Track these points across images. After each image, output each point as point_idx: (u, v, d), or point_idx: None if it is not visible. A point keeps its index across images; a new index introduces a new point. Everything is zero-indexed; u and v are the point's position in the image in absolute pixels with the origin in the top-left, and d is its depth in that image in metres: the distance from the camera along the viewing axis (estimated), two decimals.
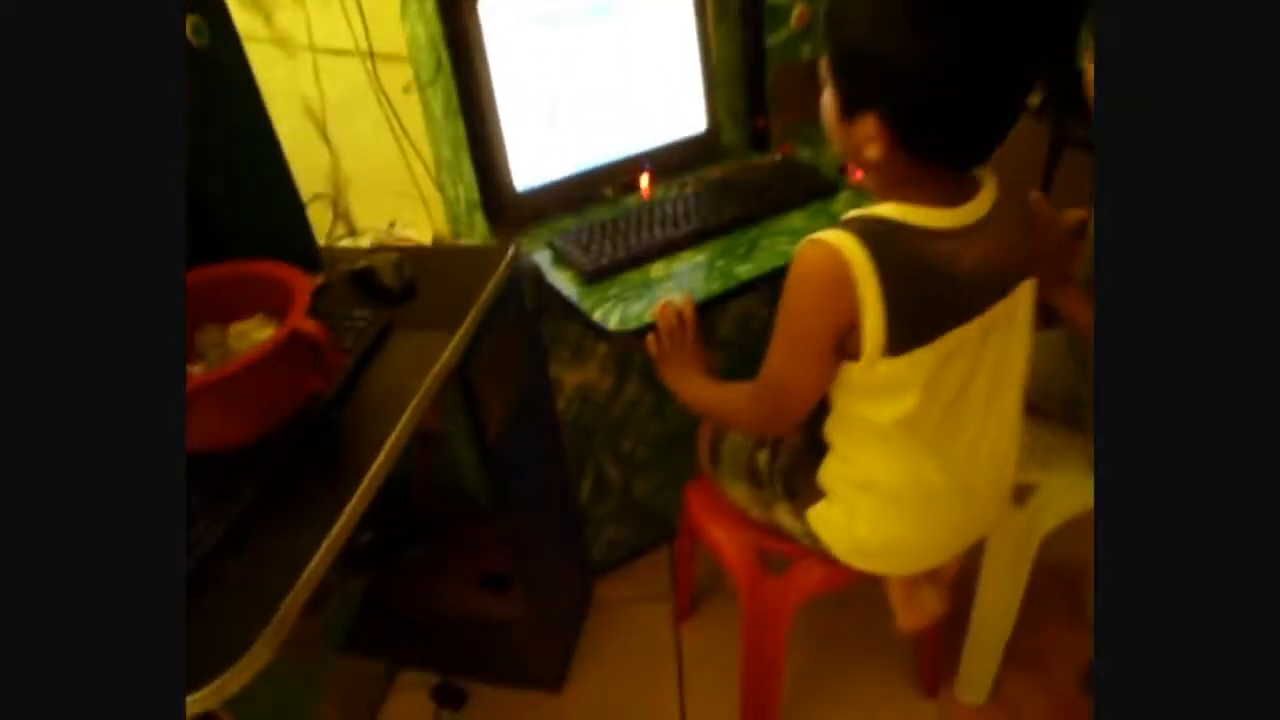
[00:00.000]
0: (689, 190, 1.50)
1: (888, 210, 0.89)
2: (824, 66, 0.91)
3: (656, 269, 1.31)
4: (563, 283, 1.29)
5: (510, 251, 1.25)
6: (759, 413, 1.04)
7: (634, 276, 1.29)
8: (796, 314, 0.93)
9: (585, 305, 1.23)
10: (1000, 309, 0.95)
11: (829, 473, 1.08)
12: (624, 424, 1.55)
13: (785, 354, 0.97)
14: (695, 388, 1.16)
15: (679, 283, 1.26)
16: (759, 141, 1.64)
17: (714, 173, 1.56)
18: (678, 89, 1.53)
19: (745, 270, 1.28)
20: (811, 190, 1.47)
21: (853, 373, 0.94)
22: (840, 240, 0.87)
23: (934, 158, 0.88)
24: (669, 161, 1.56)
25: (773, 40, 1.56)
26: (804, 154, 1.62)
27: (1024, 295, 0.98)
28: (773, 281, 1.26)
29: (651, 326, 1.18)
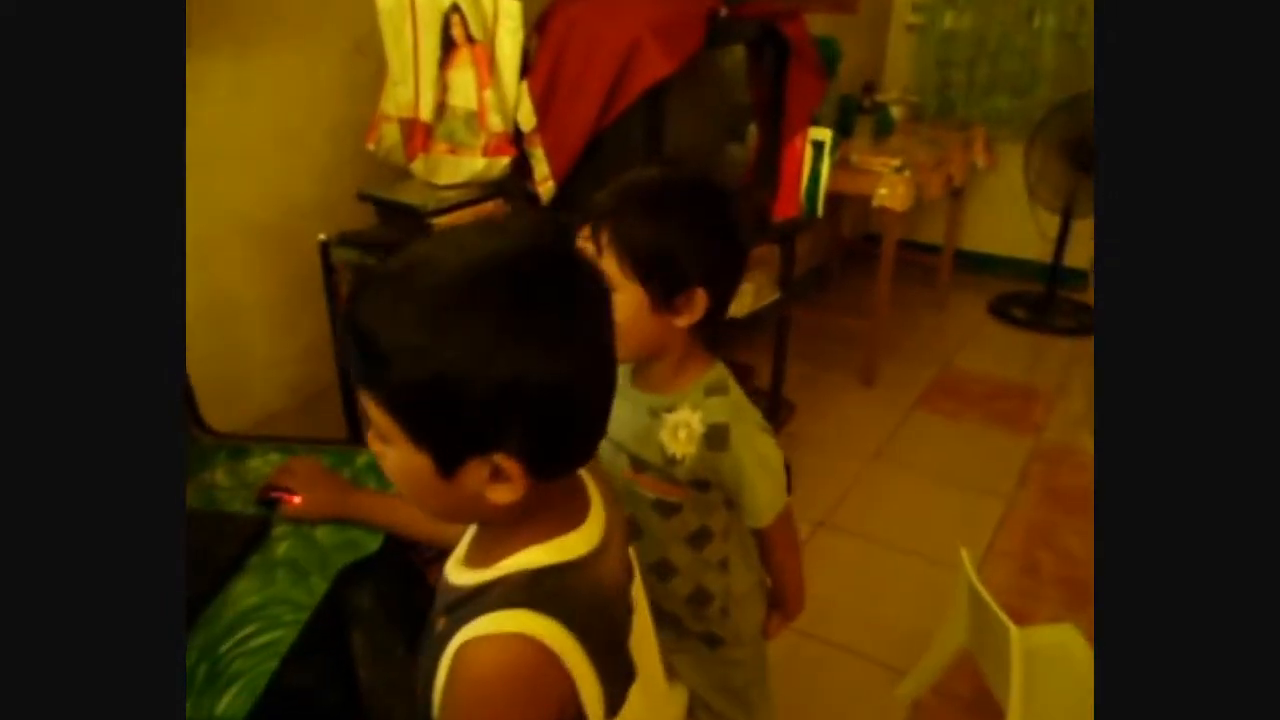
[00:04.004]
0: None
1: (538, 556, 0.71)
2: (384, 424, 0.66)
3: None
4: None
5: None
6: None
7: None
8: None
9: None
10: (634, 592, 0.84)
11: None
12: None
13: None
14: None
15: None
16: None
17: None
18: None
19: (230, 707, 0.88)
20: (241, 543, 1.10)
21: None
22: (529, 625, 0.66)
23: (566, 473, 0.73)
24: None
25: None
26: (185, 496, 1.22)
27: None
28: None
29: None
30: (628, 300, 0.98)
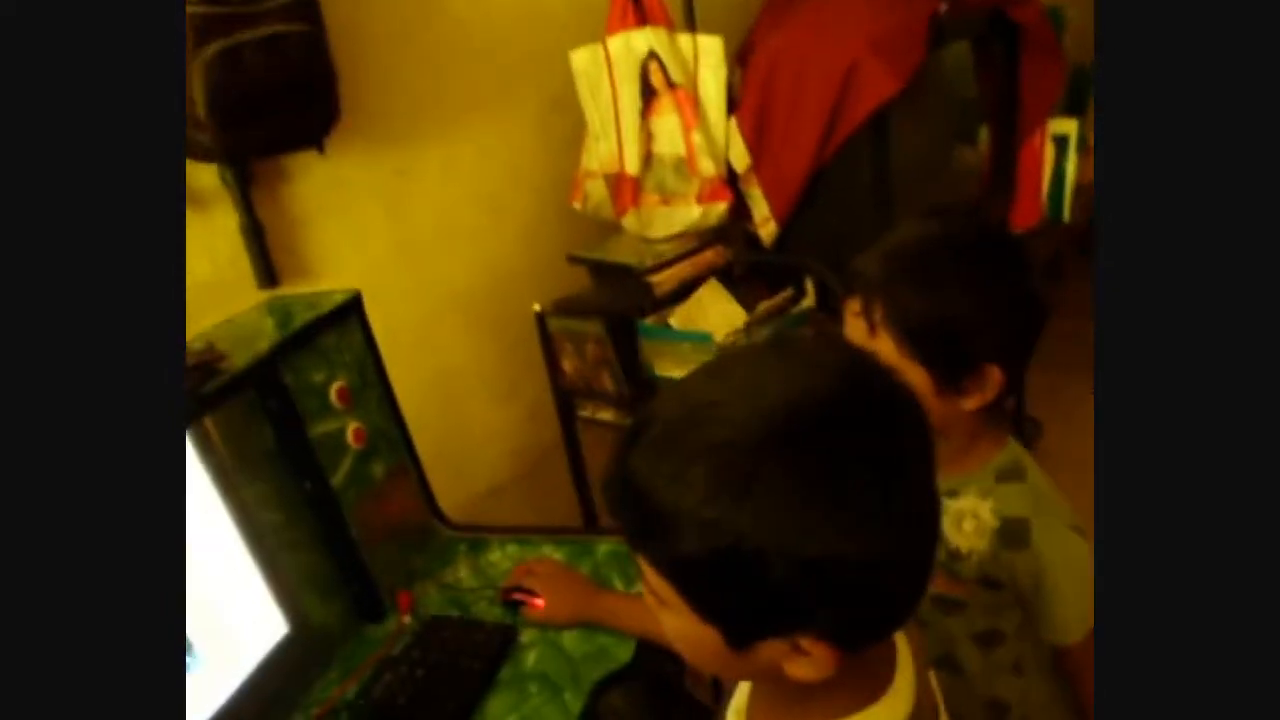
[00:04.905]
0: None
1: None
2: (663, 590, 0.56)
3: None
4: None
5: None
6: None
7: None
8: None
9: None
10: None
11: None
12: None
13: None
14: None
15: None
16: (370, 609, 1.17)
17: (337, 689, 1.05)
18: (225, 607, 1.00)
19: None
20: (491, 654, 1.05)
21: None
22: None
23: (877, 644, 0.60)
24: (253, 710, 1.00)
25: (338, 478, 1.14)
26: (431, 596, 1.19)
27: None
28: None
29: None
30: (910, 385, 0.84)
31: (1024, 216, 1.97)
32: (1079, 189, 2.41)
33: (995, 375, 0.84)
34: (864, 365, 0.56)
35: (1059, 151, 1.98)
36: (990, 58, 1.82)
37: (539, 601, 1.11)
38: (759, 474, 0.49)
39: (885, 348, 0.83)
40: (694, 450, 0.51)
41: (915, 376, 0.83)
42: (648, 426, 0.55)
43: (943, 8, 1.62)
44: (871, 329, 0.84)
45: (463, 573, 1.24)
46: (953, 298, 0.81)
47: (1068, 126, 1.97)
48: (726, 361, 0.61)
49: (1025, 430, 2.57)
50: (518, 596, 1.12)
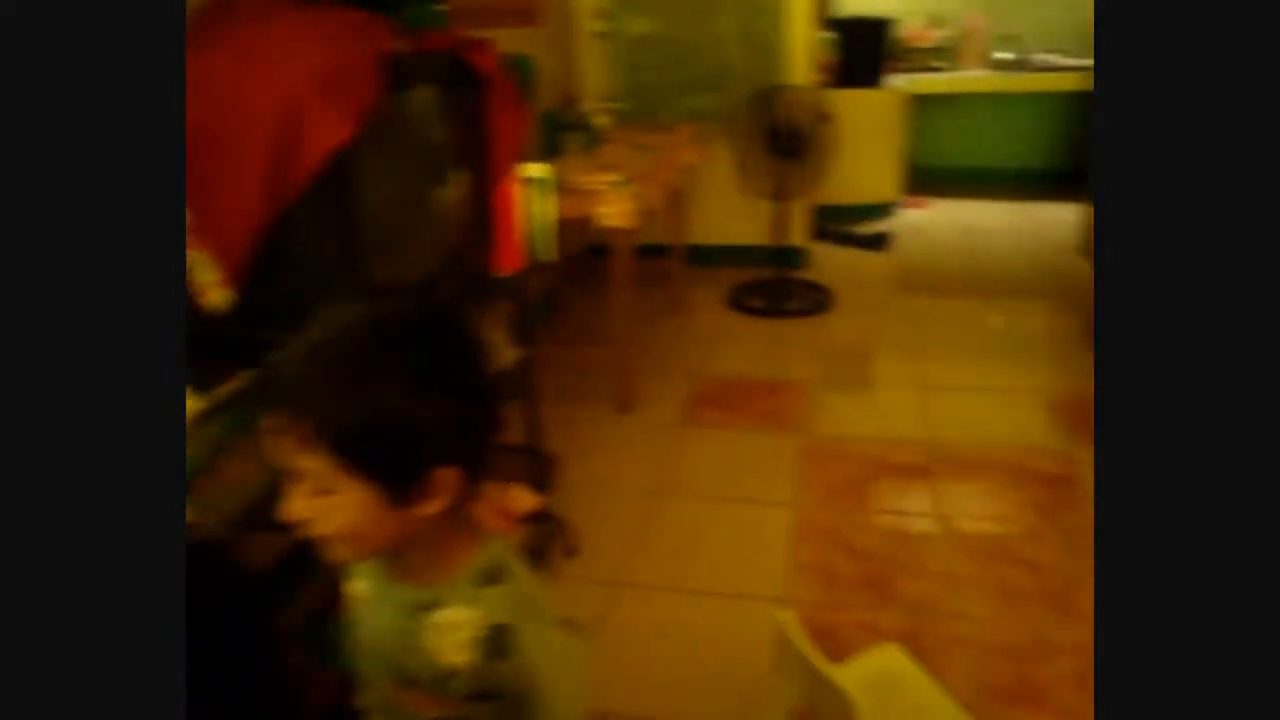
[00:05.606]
0: None
1: None
2: None
3: None
4: None
5: None
6: None
7: None
8: None
9: None
10: None
11: None
12: None
13: None
14: None
15: None
16: None
17: None
18: None
19: None
20: None
21: None
22: None
23: None
24: None
25: None
26: None
27: None
28: None
29: None
30: (352, 503, 0.70)
31: (508, 261, 1.98)
32: (556, 227, 2.53)
33: (450, 477, 0.74)
34: None
35: (533, 193, 2.02)
36: (455, 102, 1.78)
37: None
38: None
39: (319, 466, 0.68)
40: None
41: (359, 496, 0.70)
42: None
43: (399, 46, 1.53)
44: (302, 444, 0.68)
45: None
46: (390, 398, 0.69)
47: (541, 170, 2.03)
48: None
49: (544, 470, 2.62)
50: None
